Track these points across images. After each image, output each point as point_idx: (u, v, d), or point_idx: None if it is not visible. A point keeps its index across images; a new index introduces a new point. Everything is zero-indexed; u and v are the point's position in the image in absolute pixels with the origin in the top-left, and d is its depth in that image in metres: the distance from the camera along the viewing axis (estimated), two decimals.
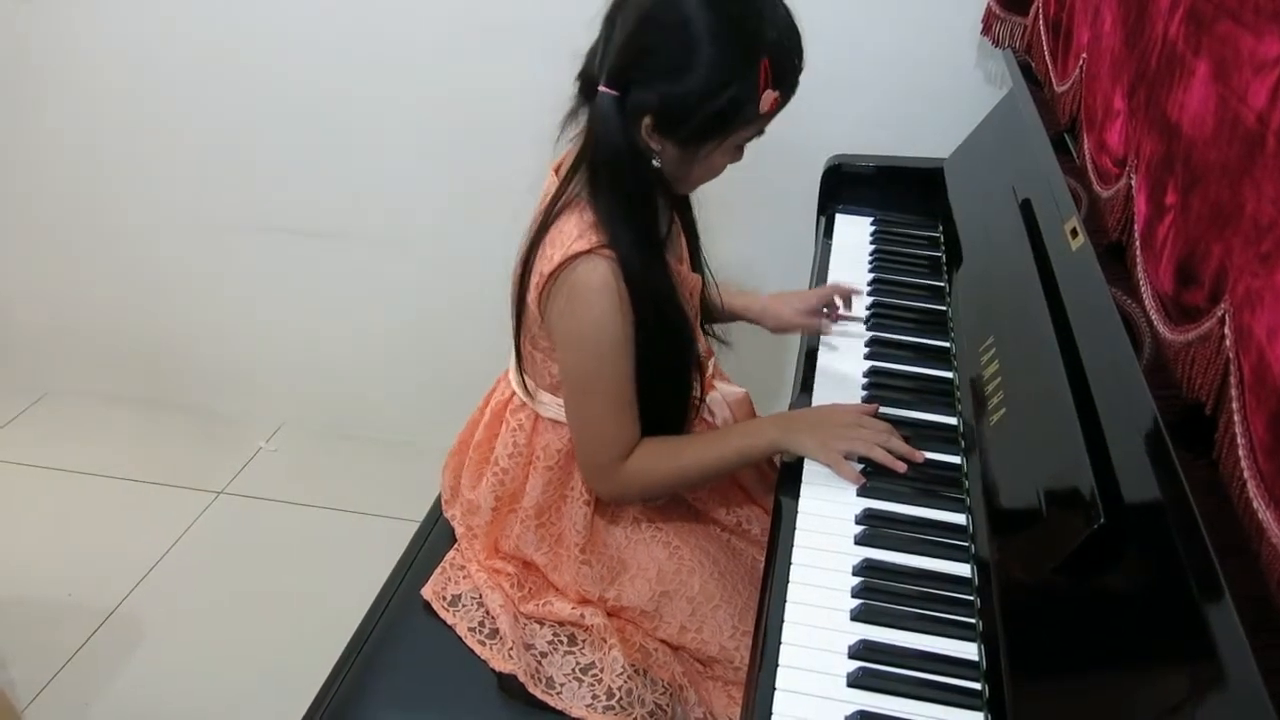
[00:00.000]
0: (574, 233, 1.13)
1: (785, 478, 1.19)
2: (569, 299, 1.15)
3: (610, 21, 1.12)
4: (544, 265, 1.15)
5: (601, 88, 1.11)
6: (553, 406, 1.28)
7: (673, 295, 1.20)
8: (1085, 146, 1.25)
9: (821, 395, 1.32)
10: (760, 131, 1.16)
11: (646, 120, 1.10)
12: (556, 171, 1.23)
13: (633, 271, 1.14)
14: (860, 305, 1.50)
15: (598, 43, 1.13)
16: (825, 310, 1.47)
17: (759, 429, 1.26)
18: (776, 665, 0.94)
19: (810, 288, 1.56)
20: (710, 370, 1.38)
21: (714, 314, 1.44)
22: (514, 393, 1.33)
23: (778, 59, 1.09)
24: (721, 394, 1.37)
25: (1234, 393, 0.74)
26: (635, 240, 1.14)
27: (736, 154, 1.18)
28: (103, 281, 2.49)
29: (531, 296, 1.19)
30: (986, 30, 1.74)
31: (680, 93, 1.08)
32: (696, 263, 1.34)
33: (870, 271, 1.60)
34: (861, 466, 1.17)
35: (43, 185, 2.37)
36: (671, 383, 1.26)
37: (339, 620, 1.40)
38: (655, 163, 1.14)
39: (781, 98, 1.12)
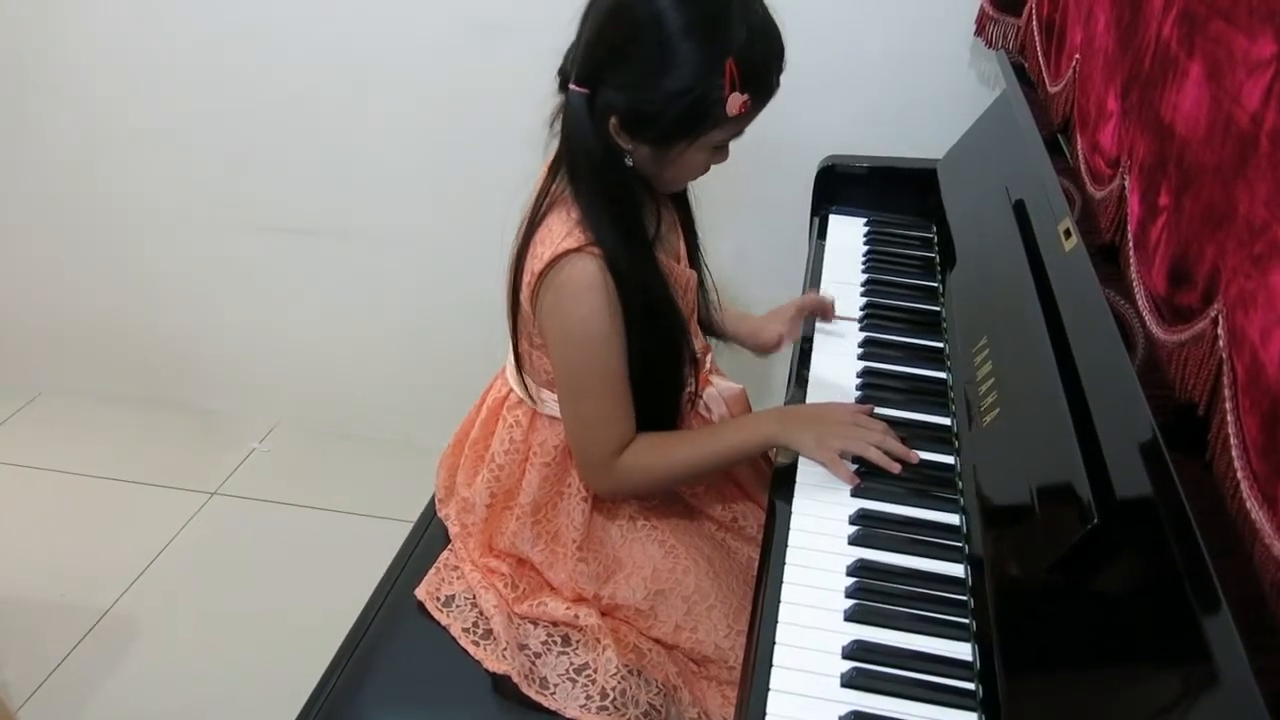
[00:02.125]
0: (562, 231, 1.14)
1: (779, 478, 1.19)
2: (558, 297, 1.15)
3: (585, 18, 1.11)
4: (534, 264, 1.15)
5: (572, 85, 1.10)
6: (552, 404, 1.28)
7: (663, 292, 1.20)
8: (1078, 147, 1.25)
9: (815, 396, 1.33)
10: (738, 133, 1.14)
11: (613, 120, 1.10)
12: (549, 168, 1.23)
13: (619, 269, 1.13)
14: (854, 306, 1.50)
15: (574, 41, 1.13)
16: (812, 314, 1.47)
17: (755, 424, 1.26)
18: (770, 665, 0.94)
19: (804, 288, 1.56)
20: (707, 366, 1.38)
21: (713, 323, 1.44)
22: (511, 389, 1.33)
23: (745, 60, 1.06)
24: (718, 390, 1.37)
25: (1227, 393, 0.74)
26: (620, 237, 1.14)
27: (718, 154, 1.17)
28: (96, 282, 2.48)
29: (524, 295, 1.19)
30: (980, 31, 1.74)
31: (644, 94, 1.07)
32: (694, 259, 1.34)
33: (864, 272, 1.60)
34: (856, 466, 1.17)
35: (36, 185, 2.37)
36: (664, 379, 1.26)
37: (332, 621, 1.40)
38: (629, 161, 1.14)
39: (752, 101, 1.09)
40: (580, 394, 1.21)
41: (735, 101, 1.07)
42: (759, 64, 1.09)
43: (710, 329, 1.43)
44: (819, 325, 1.45)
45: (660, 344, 1.22)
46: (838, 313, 1.46)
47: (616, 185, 1.14)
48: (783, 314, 1.48)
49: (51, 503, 2.36)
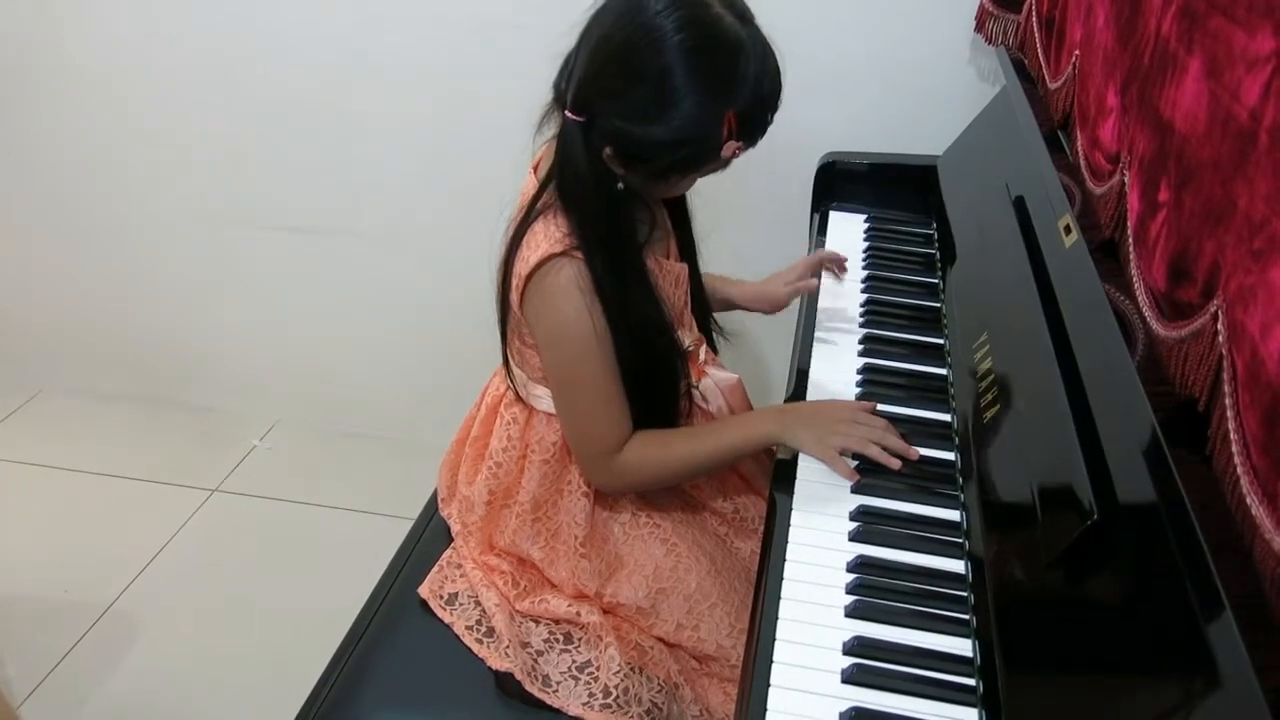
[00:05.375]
0: (550, 235, 1.14)
1: (780, 474, 1.19)
2: (545, 300, 1.16)
3: (586, 36, 1.11)
4: (522, 267, 1.16)
5: (568, 113, 1.10)
6: (546, 399, 1.28)
7: (648, 298, 1.21)
8: (1078, 143, 1.25)
9: (815, 392, 1.33)
10: (725, 166, 1.16)
11: (607, 150, 1.11)
12: (535, 170, 1.23)
13: (601, 280, 1.15)
14: (854, 302, 1.50)
15: (571, 54, 1.13)
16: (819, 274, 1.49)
17: (754, 422, 1.26)
18: (771, 661, 0.94)
19: None
20: (703, 358, 1.38)
21: (708, 305, 1.44)
22: (509, 386, 1.33)
23: (745, 113, 1.08)
24: (714, 380, 1.37)
25: (1227, 389, 0.74)
26: (605, 252, 1.15)
27: (711, 172, 1.18)
28: (98, 279, 2.48)
29: (513, 298, 1.20)
30: (980, 27, 1.74)
31: (643, 138, 1.08)
32: (687, 253, 1.34)
33: (864, 269, 1.60)
34: (856, 463, 1.17)
35: (39, 183, 2.36)
36: (657, 378, 1.26)
37: (333, 618, 1.40)
38: (620, 185, 1.15)
39: (746, 145, 1.12)
40: (574, 394, 1.22)
41: (730, 148, 1.10)
42: (759, 114, 1.11)
43: (707, 314, 1.43)
44: (818, 326, 1.45)
45: (648, 348, 1.22)
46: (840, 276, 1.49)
47: (604, 206, 1.15)
48: (788, 275, 1.50)
49: (52, 500, 2.37)
